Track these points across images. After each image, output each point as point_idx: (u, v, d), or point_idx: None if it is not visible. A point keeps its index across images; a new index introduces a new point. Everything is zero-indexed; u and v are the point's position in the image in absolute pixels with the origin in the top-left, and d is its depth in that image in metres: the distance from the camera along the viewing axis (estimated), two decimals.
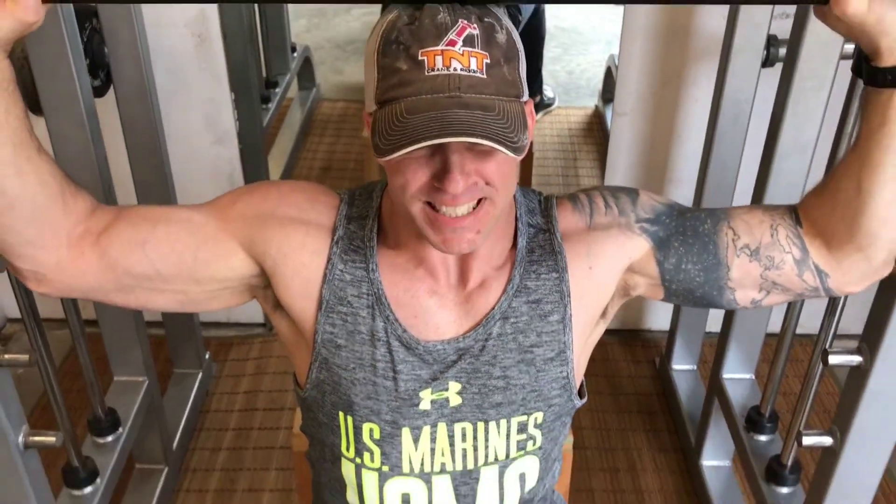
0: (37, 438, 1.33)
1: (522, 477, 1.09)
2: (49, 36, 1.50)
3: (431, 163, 0.88)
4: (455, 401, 1.03)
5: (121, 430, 1.76)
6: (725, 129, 1.92)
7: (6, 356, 1.25)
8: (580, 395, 1.11)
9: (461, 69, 0.85)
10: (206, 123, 2.21)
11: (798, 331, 1.73)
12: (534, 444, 1.07)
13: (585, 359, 1.12)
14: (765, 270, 0.99)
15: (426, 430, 1.03)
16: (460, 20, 0.86)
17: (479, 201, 0.91)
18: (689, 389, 2.25)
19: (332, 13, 4.83)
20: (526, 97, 0.92)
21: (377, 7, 3.22)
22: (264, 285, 1.04)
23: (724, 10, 1.93)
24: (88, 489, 1.63)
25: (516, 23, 3.22)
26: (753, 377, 1.93)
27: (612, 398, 2.36)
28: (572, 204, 1.05)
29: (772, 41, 1.80)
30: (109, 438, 1.74)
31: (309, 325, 1.02)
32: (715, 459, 2.03)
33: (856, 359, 1.29)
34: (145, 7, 1.87)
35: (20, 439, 1.32)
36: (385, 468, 1.05)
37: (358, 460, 1.06)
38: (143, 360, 1.87)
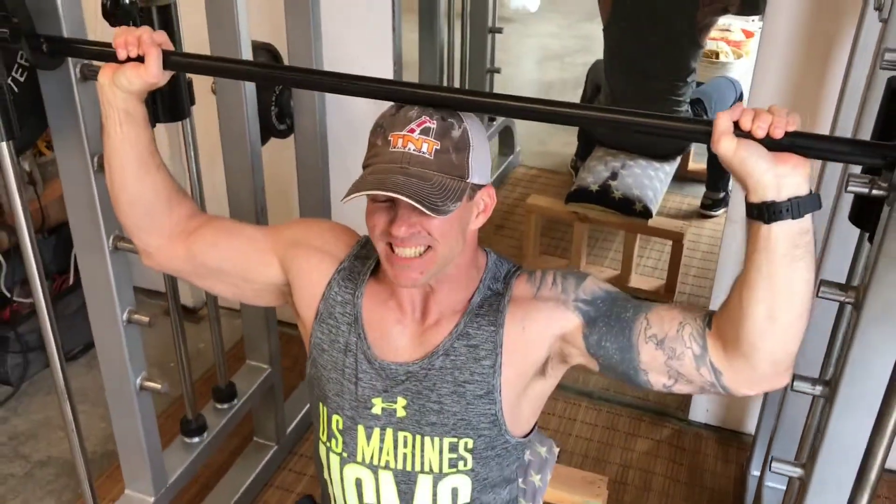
0: (149, 384, 1.77)
1: (455, 491, 1.32)
2: (233, 103, 1.97)
3: (389, 213, 1.17)
4: (401, 413, 1.30)
5: (235, 401, 2.19)
6: None
7: (135, 316, 1.70)
8: (525, 436, 1.34)
9: (413, 150, 1.14)
10: None
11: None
12: (465, 465, 1.30)
13: (530, 409, 1.33)
14: (668, 359, 1.15)
15: (377, 430, 1.31)
16: (424, 116, 1.16)
17: (427, 249, 1.19)
18: None
19: (559, 88, 5.17)
20: (475, 180, 1.18)
21: None
22: (290, 292, 1.37)
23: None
24: (196, 439, 2.06)
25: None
26: None
27: (687, 488, 2.44)
28: (528, 277, 1.29)
29: None
30: (225, 406, 2.17)
31: (309, 328, 1.35)
32: None
33: None
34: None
35: (138, 381, 1.77)
36: (345, 454, 1.34)
37: (328, 444, 1.36)
38: (270, 353, 2.29)
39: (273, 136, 2.34)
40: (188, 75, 1.77)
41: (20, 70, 1.46)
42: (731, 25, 4.20)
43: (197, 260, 1.36)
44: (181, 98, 1.71)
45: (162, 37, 1.24)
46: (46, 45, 1.35)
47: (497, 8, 3.75)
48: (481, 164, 1.20)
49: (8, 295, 2.67)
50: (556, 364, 1.29)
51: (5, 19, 1.30)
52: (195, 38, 1.81)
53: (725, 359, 1.12)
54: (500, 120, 3.86)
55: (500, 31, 3.72)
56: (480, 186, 1.21)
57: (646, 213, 3.07)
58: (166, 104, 1.73)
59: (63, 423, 1.65)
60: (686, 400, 2.69)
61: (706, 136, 1.01)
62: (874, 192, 1.11)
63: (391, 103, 1.21)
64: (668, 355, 1.15)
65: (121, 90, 1.24)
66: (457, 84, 3.48)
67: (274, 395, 2.34)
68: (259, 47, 2.22)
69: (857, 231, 1.39)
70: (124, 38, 1.22)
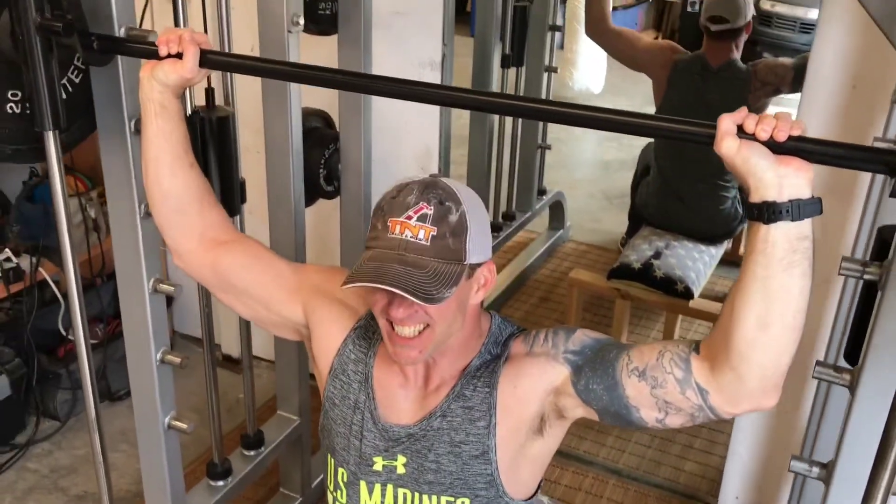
0: (176, 423, 1.85)
1: None
2: (280, 164, 2.09)
3: (388, 295, 1.21)
4: (401, 470, 1.34)
5: (262, 448, 2.25)
6: None
7: (168, 356, 1.78)
8: (527, 500, 1.35)
9: (410, 236, 1.18)
10: None
11: None
12: None
13: (529, 470, 1.35)
14: (652, 389, 1.16)
15: (377, 486, 1.35)
16: (421, 202, 1.19)
17: (426, 327, 1.23)
18: None
19: (616, 168, 5.24)
20: (473, 260, 1.21)
21: None
22: (308, 336, 1.44)
23: None
24: (220, 482, 2.12)
25: None
26: None
27: None
28: (524, 337, 1.33)
29: None
30: (252, 453, 2.23)
31: (323, 379, 1.41)
32: None
33: None
34: (378, 139, 2.42)
35: (166, 420, 1.85)
36: None
37: (334, 494, 1.41)
38: (300, 405, 2.35)
39: (320, 196, 2.45)
40: (242, 175, 1.89)
41: (75, 71, 1.57)
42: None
43: (223, 275, 1.42)
44: (235, 197, 1.84)
45: (202, 37, 1.32)
46: (97, 42, 1.43)
47: (555, 87, 3.86)
48: (479, 243, 1.23)
49: (63, 333, 2.81)
50: (553, 421, 1.30)
51: (60, 16, 1.40)
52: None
53: (712, 376, 1.11)
54: (550, 194, 3.93)
55: None
56: (480, 264, 1.25)
57: (687, 293, 3.07)
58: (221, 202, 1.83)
59: (91, 453, 1.73)
60: (716, 485, 2.65)
61: (709, 138, 1.03)
62: (866, 276, 1.13)
63: (395, 185, 1.25)
64: (651, 385, 1.16)
65: (158, 83, 1.32)
66: (506, 159, 3.57)
67: (301, 447, 2.40)
68: (312, 113, 2.36)
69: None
70: (167, 37, 1.32)
